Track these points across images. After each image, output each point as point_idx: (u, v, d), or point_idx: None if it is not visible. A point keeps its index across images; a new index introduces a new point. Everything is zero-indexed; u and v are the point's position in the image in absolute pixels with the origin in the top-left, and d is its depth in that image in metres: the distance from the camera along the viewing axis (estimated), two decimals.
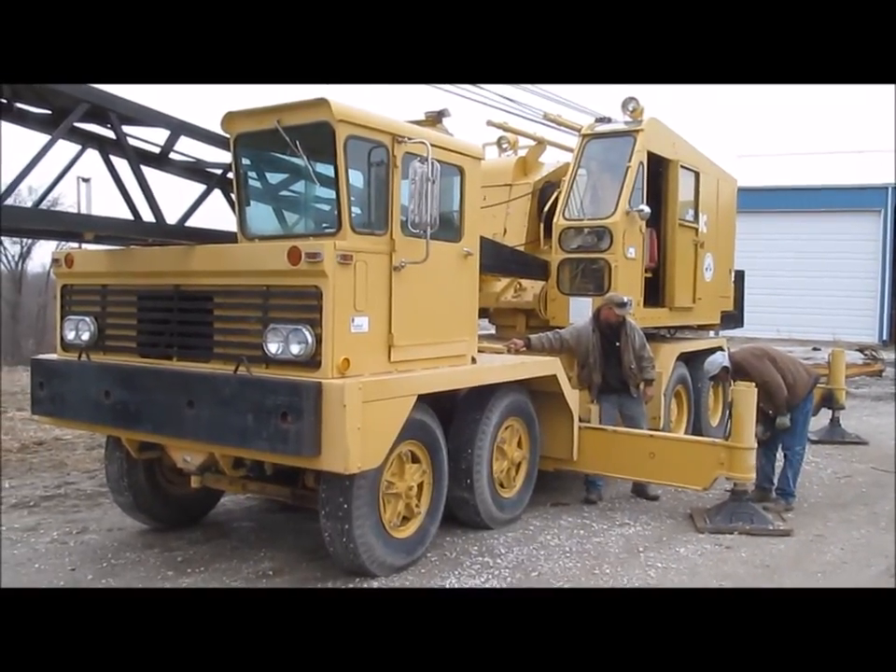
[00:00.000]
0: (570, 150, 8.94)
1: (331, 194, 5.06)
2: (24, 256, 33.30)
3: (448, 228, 5.69)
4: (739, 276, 11.21)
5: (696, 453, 6.71)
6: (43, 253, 34.81)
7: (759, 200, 24.46)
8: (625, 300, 7.33)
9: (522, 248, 8.57)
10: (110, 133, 5.37)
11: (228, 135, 5.44)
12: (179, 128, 5.69)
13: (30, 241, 29.84)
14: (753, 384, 6.60)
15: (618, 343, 7.31)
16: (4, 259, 33.35)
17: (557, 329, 7.47)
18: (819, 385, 10.91)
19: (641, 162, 8.16)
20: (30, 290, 33.73)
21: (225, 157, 5.78)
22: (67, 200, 16.90)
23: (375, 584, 5.11)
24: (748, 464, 6.41)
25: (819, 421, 10.66)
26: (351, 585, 5.11)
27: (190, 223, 5.78)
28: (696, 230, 9.33)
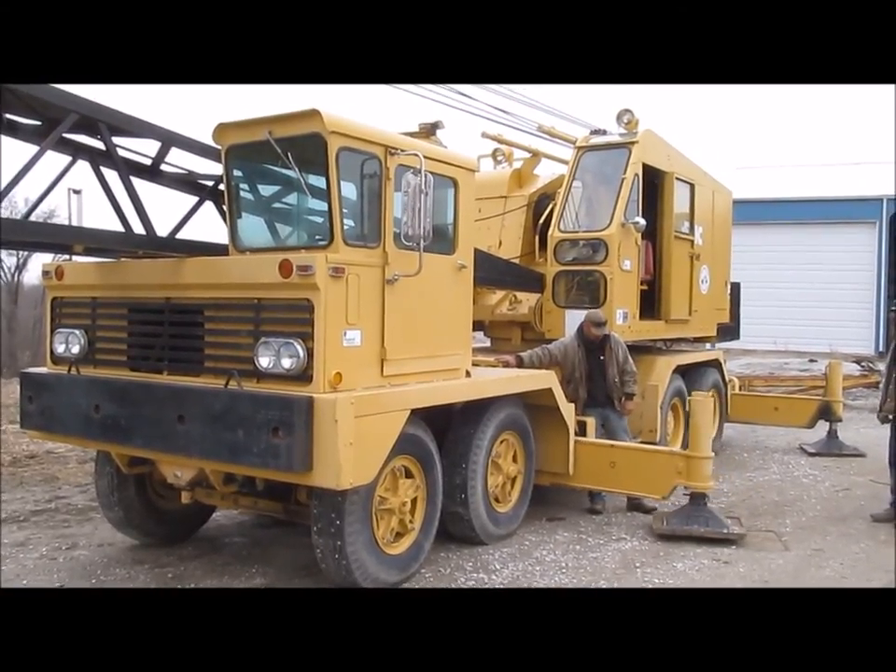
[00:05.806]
0: (565, 162, 8.93)
1: (324, 206, 5.01)
2: (21, 268, 33.23)
3: (442, 240, 5.64)
4: (735, 288, 11.20)
5: (655, 462, 6.71)
6: (39, 265, 34.65)
7: (755, 211, 24.45)
8: (603, 319, 7.37)
9: (517, 261, 8.55)
10: (101, 145, 5.33)
11: (219, 147, 5.40)
12: (170, 139, 5.66)
13: (26, 253, 29.78)
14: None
15: (602, 357, 7.36)
16: (0, 271, 33.30)
17: (545, 345, 7.45)
18: (816, 397, 10.94)
19: (636, 174, 8.15)
20: (26, 302, 33.54)
21: (216, 168, 5.74)
22: (63, 212, 16.85)
23: None
24: (705, 473, 6.41)
25: (816, 433, 10.63)
26: None
27: (182, 235, 5.75)
28: (692, 242, 9.31)
